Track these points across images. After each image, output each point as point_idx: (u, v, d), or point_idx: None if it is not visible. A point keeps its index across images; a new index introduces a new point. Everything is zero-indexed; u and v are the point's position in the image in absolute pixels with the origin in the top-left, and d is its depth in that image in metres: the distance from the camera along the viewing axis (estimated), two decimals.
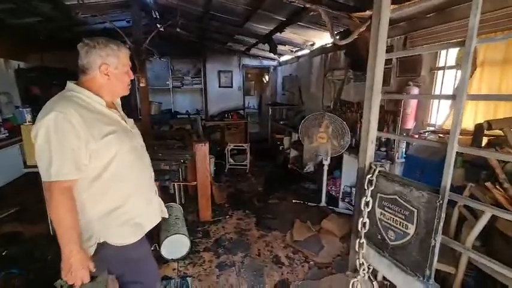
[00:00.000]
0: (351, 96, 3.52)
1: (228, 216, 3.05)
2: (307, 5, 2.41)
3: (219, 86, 6.30)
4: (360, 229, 0.95)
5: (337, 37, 3.53)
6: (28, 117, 2.29)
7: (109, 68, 1.07)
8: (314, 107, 4.41)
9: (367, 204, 0.93)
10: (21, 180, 3.88)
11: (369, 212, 0.94)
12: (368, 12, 2.37)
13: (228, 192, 3.70)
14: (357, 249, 0.96)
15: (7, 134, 3.72)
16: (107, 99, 1.10)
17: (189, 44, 5.68)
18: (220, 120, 5.72)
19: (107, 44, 1.06)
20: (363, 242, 0.94)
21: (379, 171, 0.94)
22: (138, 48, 2.74)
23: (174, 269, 2.18)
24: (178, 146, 2.94)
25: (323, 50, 4.14)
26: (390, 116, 2.73)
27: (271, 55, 5.56)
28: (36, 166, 2.28)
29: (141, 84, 2.82)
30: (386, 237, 0.91)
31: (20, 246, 2.45)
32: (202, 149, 2.56)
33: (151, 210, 1.23)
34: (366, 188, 0.94)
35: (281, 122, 4.85)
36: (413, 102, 2.51)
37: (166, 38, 5.32)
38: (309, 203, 3.24)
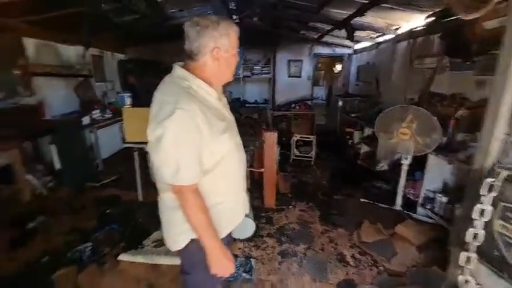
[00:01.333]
0: (443, 88, 3.01)
1: (291, 206, 3.05)
2: None
3: (288, 76, 6.24)
4: (469, 241, 0.80)
5: (429, 19, 3.05)
6: (128, 101, 2.70)
7: (220, 51, 0.93)
8: (394, 99, 3.95)
9: (482, 212, 0.77)
10: (119, 154, 4.65)
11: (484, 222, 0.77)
12: None
13: (291, 183, 3.69)
14: (461, 264, 0.81)
15: (111, 115, 4.46)
16: (215, 88, 1.00)
17: (261, 33, 5.74)
18: (287, 110, 5.69)
19: (219, 22, 0.91)
20: (473, 257, 0.79)
21: (508, 176, 0.76)
22: None
23: (240, 249, 2.31)
24: (250, 133, 3.05)
25: (411, 34, 3.64)
26: None
27: (346, 42, 5.19)
28: (131, 142, 2.65)
29: None
30: (507, 256, 0.74)
31: (118, 207, 2.97)
32: (271, 138, 2.60)
33: (240, 206, 1.16)
34: (483, 193, 0.77)
35: (352, 115, 4.53)
36: None
37: (240, 28, 5.48)
38: (380, 204, 2.97)
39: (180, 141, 0.85)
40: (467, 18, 2.10)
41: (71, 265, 2.06)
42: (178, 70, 0.96)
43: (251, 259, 2.16)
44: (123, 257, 2.14)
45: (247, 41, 6.08)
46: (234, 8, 4.45)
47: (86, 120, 3.80)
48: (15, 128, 3.05)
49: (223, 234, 1.06)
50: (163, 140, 0.84)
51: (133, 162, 2.94)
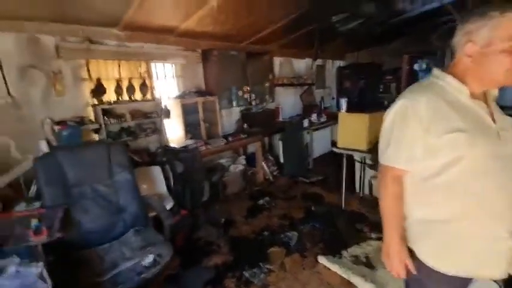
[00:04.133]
0: None
1: None
2: None
3: None
4: None
5: None
6: (344, 106, 2.71)
7: (474, 46, 0.82)
8: None
9: None
10: (327, 155, 4.96)
11: None
12: None
13: None
14: None
15: (325, 119, 4.82)
16: (473, 87, 0.86)
17: None
18: None
19: (486, 12, 0.79)
20: None
21: None
22: None
23: None
24: None
25: None
26: None
27: None
28: (342, 148, 2.64)
29: None
30: None
31: (321, 207, 3.13)
32: None
33: (494, 253, 0.84)
34: None
35: None
36: None
37: None
38: None
39: (396, 123, 0.90)
40: None
41: (281, 246, 2.42)
42: (434, 70, 0.96)
43: None
44: (322, 259, 2.19)
45: None
46: None
47: (305, 122, 4.37)
48: (261, 126, 4.11)
49: (443, 268, 0.88)
50: (385, 121, 0.94)
51: (341, 168, 2.95)
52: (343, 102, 2.70)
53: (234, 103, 3.97)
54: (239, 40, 3.88)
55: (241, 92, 4.02)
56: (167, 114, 3.25)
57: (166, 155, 3.01)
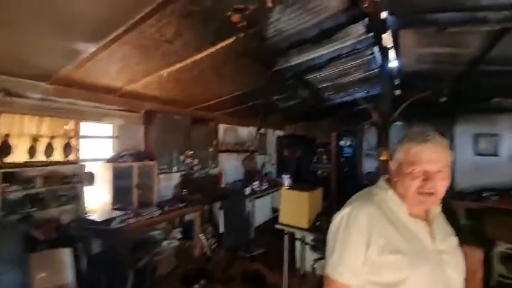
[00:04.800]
0: None
1: None
2: None
3: (476, 154, 4.75)
4: None
5: None
6: (286, 182, 2.80)
7: (394, 164, 0.93)
8: None
9: None
10: (268, 223, 4.86)
11: None
12: None
13: None
14: None
15: (267, 186, 4.90)
16: (417, 206, 0.90)
17: (431, 105, 4.93)
18: (476, 200, 4.15)
19: (403, 137, 0.92)
20: None
21: None
22: (385, 121, 2.63)
23: None
24: None
25: None
26: None
27: None
28: (283, 224, 2.60)
29: (383, 158, 2.64)
30: None
31: None
32: (474, 256, 1.76)
33: None
34: None
35: None
36: None
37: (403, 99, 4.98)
38: None
39: (340, 232, 0.89)
40: None
41: None
42: (380, 181, 1.00)
43: None
44: None
45: (413, 113, 5.44)
46: (398, 83, 4.12)
47: (247, 190, 4.33)
48: (202, 193, 3.88)
49: None
50: (330, 229, 0.94)
51: (283, 246, 2.86)
52: (286, 179, 2.79)
53: (175, 168, 3.75)
54: (185, 105, 3.90)
55: (183, 157, 3.86)
56: (90, 179, 2.81)
57: (81, 230, 2.48)
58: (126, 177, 3.09)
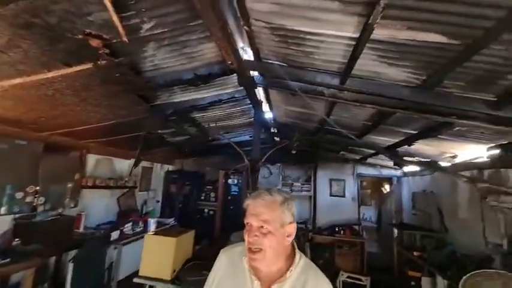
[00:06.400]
0: None
1: None
2: (458, 121, 1.92)
3: (330, 195, 5.82)
4: None
5: (492, 151, 2.67)
6: (153, 226, 2.51)
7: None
8: (468, 241, 3.14)
9: None
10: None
11: None
12: None
13: None
14: None
15: (142, 228, 4.32)
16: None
17: (301, 152, 5.85)
18: (331, 235, 4.96)
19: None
20: None
21: None
22: (254, 166, 2.86)
23: None
24: None
25: (472, 165, 3.20)
26: None
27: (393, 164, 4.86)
28: (144, 277, 2.27)
29: None
30: None
31: None
32: None
33: None
34: None
35: (415, 253, 3.63)
36: None
37: (280, 147, 5.72)
38: None
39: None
40: None
41: None
42: None
43: None
44: None
45: (286, 158, 6.30)
46: (276, 131, 4.73)
47: (114, 235, 3.67)
48: (46, 242, 2.99)
49: None
50: None
51: None
52: (152, 223, 2.51)
53: (3, 209, 2.80)
54: (37, 129, 3.12)
55: (22, 194, 2.97)
56: None
57: None
58: None
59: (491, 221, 2.86)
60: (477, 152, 3.02)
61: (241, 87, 2.70)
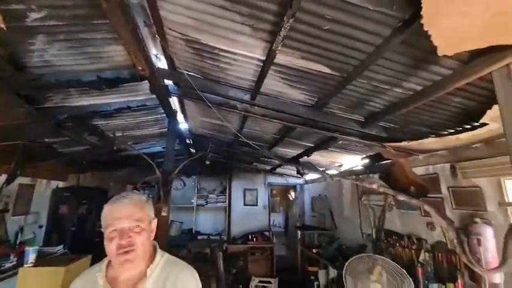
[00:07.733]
0: (397, 226, 3.02)
1: None
2: (340, 136, 2.39)
3: (244, 204, 6.07)
4: None
5: (364, 161, 3.44)
6: (31, 256, 2.03)
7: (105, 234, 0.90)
8: (351, 234, 3.85)
9: None
10: None
11: None
12: (404, 144, 2.28)
13: None
14: None
15: (15, 262, 3.41)
16: (117, 270, 0.90)
17: (216, 163, 5.92)
18: (244, 243, 5.13)
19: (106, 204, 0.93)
20: None
21: None
22: (166, 178, 2.73)
23: None
24: None
25: (353, 172, 3.99)
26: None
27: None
28: None
29: (163, 214, 2.65)
30: None
31: None
32: None
33: None
34: None
35: (313, 250, 4.18)
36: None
37: (195, 159, 5.64)
38: None
39: None
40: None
41: None
42: None
43: None
44: None
45: (202, 170, 6.25)
46: (191, 143, 4.66)
47: None
48: None
49: None
50: None
51: None
52: (30, 252, 2.02)
53: None
54: None
55: None
56: None
57: None
58: None
59: (365, 216, 3.62)
60: (355, 161, 3.81)
61: (154, 96, 2.60)
